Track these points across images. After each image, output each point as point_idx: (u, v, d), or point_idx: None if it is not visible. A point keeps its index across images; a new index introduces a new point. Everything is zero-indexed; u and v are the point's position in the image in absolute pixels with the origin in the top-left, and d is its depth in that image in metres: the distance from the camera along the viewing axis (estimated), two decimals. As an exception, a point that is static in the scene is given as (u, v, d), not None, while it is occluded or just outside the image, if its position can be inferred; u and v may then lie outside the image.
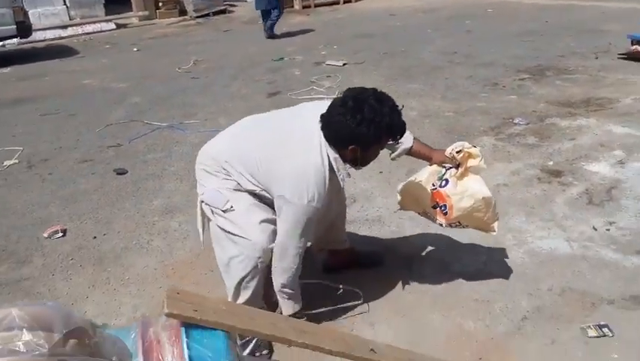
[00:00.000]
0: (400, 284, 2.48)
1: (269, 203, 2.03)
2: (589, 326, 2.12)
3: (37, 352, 0.77)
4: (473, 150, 2.15)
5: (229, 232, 2.03)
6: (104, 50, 9.91)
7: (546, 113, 4.62)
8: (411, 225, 2.97)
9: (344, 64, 7.00)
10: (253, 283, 2.05)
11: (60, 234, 3.13)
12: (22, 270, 2.83)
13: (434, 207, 2.22)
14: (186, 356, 1.21)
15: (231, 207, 2.01)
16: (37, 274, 2.78)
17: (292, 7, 13.31)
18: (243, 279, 2.04)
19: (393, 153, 2.28)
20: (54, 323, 0.82)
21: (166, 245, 2.97)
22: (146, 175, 3.94)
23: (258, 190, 2.02)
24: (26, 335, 0.78)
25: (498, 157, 3.81)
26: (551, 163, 3.64)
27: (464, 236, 2.72)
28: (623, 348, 2.01)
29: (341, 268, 2.57)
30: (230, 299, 2.09)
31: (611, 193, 3.18)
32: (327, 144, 1.94)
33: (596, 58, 6.30)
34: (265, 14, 9.30)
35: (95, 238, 3.09)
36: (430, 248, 2.78)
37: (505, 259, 2.63)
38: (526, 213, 3.02)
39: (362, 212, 3.20)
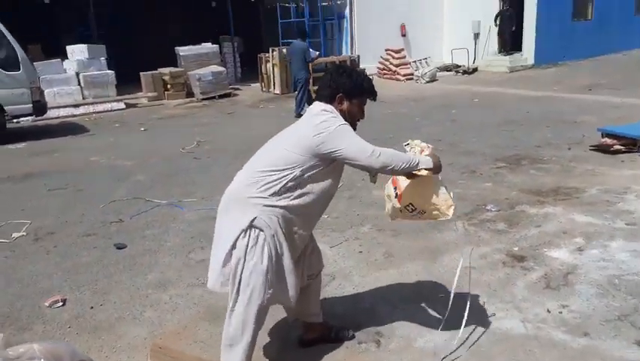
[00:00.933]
0: (367, 358, 2.73)
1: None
2: (532, 400, 2.35)
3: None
4: (423, 145, 2.62)
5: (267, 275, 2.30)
6: (113, 128, 10.54)
7: (517, 200, 5.00)
8: (383, 303, 3.25)
9: (336, 148, 7.49)
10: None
11: (60, 303, 3.40)
12: (23, 335, 3.08)
13: (396, 197, 2.57)
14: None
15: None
16: (37, 340, 3.03)
17: (294, 92, 14.17)
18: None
19: (371, 175, 2.65)
20: (64, 356, 1.13)
21: (157, 316, 3.23)
22: (144, 250, 4.26)
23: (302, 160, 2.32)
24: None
25: (468, 241, 4.14)
26: (516, 249, 3.96)
27: (429, 315, 2.99)
28: (561, 421, 2.24)
29: (315, 343, 2.82)
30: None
31: (567, 278, 3.48)
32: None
33: (569, 149, 6.79)
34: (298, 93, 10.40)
35: (92, 307, 3.36)
36: (397, 324, 3.02)
37: (464, 337, 2.88)
38: (489, 295, 3.30)
39: (339, 289, 3.48)
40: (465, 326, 2.97)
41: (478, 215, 4.69)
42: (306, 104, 10.15)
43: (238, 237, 2.30)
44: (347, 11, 17.35)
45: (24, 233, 4.74)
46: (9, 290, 3.67)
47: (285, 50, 14.65)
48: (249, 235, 2.29)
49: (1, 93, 9.27)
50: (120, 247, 4.32)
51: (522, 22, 16.38)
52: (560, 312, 3.08)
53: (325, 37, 17.85)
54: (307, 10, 16.95)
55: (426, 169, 2.48)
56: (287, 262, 2.38)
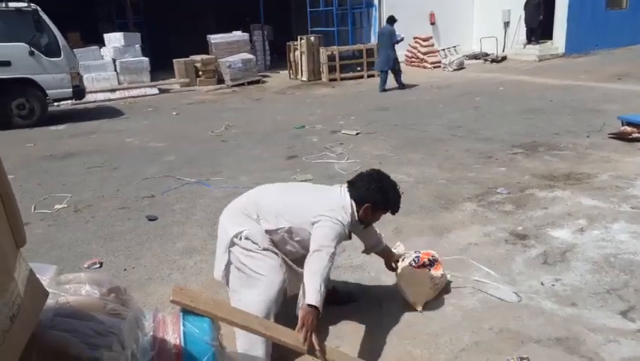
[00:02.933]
0: (368, 319, 3.01)
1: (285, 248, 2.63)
2: (512, 358, 2.59)
3: (92, 295, 1.39)
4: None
5: (254, 271, 2.52)
6: (146, 112, 11.03)
7: (528, 184, 5.17)
8: (387, 273, 3.51)
9: (357, 133, 7.75)
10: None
11: (97, 265, 3.80)
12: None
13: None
14: (181, 331, 1.81)
15: (267, 246, 2.57)
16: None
17: (320, 79, 14.44)
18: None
19: (366, 248, 3.09)
20: (104, 282, 1.45)
21: (182, 278, 3.59)
22: (172, 222, 4.63)
23: (287, 228, 2.57)
24: (87, 287, 1.41)
25: (475, 220, 4.35)
26: (520, 228, 4.16)
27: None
28: (538, 375, 2.48)
29: (329, 305, 3.12)
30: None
31: (565, 255, 3.67)
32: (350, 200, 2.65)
33: (588, 136, 6.86)
34: (384, 74, 11.81)
35: (125, 270, 3.75)
36: (399, 290, 3.29)
37: (460, 303, 3.13)
38: (488, 268, 3.53)
39: (348, 260, 3.76)
40: (461, 293, 3.23)
41: (488, 197, 4.88)
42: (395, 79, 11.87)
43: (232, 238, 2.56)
44: (376, 0, 17.43)
45: (65, 205, 5.18)
46: (52, 253, 4.09)
47: (312, 38, 14.90)
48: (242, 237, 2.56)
49: (44, 78, 9.84)
50: (152, 218, 4.70)
51: (554, 10, 16.13)
52: (553, 285, 3.29)
53: (353, 25, 17.97)
54: (336, -1, 17.09)
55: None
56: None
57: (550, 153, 6.22)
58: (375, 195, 2.67)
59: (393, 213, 2.84)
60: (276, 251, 2.60)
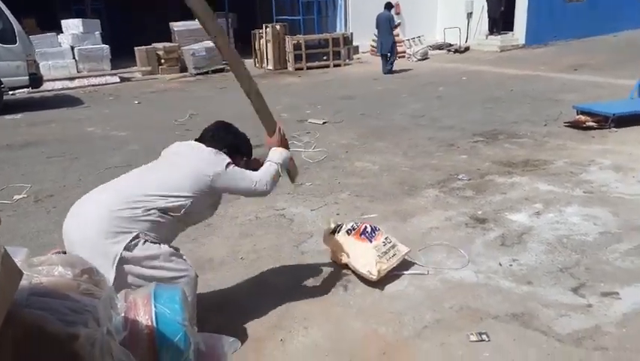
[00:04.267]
0: (334, 300, 3.10)
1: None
2: (472, 333, 2.73)
3: (65, 276, 1.42)
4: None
5: (166, 278, 2.34)
6: (107, 101, 10.79)
7: (488, 171, 5.35)
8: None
9: (324, 122, 7.82)
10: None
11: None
12: (29, 281, 3.43)
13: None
14: (153, 312, 1.84)
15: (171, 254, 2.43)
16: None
17: (286, 68, 14.41)
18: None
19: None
20: (77, 263, 1.47)
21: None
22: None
23: (183, 200, 2.44)
24: (60, 268, 1.43)
25: (437, 205, 4.50)
26: (480, 212, 4.32)
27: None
28: (495, 349, 2.62)
29: None
30: None
31: (521, 238, 3.84)
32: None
33: (545, 125, 7.13)
34: (384, 57, 12.87)
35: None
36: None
37: (422, 284, 3.25)
38: (448, 251, 3.67)
39: (316, 245, 3.83)
40: (423, 275, 3.36)
41: (449, 184, 5.04)
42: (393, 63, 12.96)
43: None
44: (341, -12, 17.46)
45: (25, 195, 5.06)
46: (14, 244, 3.99)
47: (278, 27, 14.83)
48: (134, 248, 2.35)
49: (-2, 65, 9.49)
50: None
51: (514, 2, 16.55)
52: (510, 265, 3.45)
53: (319, 14, 17.97)
54: (301, -13, 17.04)
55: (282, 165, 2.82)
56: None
57: (510, 141, 6.44)
58: (225, 139, 2.68)
59: (248, 156, 2.85)
60: (175, 248, 2.53)
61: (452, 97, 9.48)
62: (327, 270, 3.47)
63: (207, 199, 2.59)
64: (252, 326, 2.86)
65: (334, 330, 2.82)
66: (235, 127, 2.83)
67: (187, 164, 2.54)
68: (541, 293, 3.09)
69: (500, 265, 3.46)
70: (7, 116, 9.33)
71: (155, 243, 2.39)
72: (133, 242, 2.31)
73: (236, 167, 2.61)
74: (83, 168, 5.95)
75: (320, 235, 3.97)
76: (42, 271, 1.48)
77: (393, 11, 12.95)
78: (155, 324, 1.82)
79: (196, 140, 2.72)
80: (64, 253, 3.75)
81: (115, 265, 2.26)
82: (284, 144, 2.91)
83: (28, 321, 1.26)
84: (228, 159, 2.59)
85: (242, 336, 2.70)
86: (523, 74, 11.80)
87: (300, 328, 2.84)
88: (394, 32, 13.12)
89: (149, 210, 2.37)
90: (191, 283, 2.48)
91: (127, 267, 2.30)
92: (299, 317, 2.94)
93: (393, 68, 13.04)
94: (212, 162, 2.55)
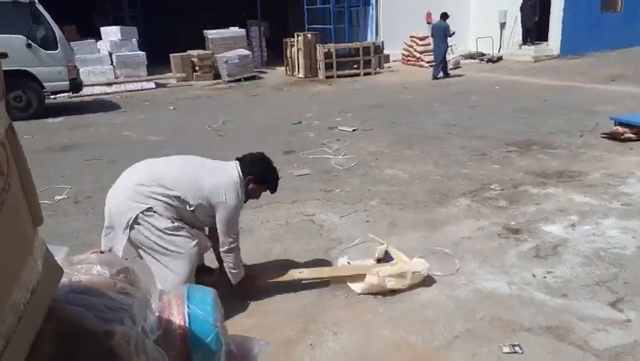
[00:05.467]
0: (364, 306, 3.09)
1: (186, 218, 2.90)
2: (504, 345, 2.67)
3: (103, 275, 1.46)
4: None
5: (169, 250, 2.80)
6: (143, 106, 11.05)
7: (521, 181, 5.26)
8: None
9: (354, 130, 7.82)
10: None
11: (98, 254, 3.84)
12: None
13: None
14: (186, 313, 1.88)
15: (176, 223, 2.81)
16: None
17: (316, 76, 14.49)
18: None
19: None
20: (114, 263, 1.51)
21: (181, 268, 3.65)
22: (171, 214, 4.68)
23: (189, 203, 2.84)
24: (98, 267, 1.48)
25: (469, 215, 4.44)
26: (513, 223, 4.25)
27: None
28: (528, 362, 2.56)
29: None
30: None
31: (556, 249, 3.76)
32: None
33: (581, 136, 6.96)
34: (438, 63, 13.50)
35: (126, 258, 3.79)
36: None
37: (453, 293, 3.21)
38: (480, 261, 3.62)
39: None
40: (455, 284, 3.31)
41: (481, 193, 4.96)
42: (441, 71, 13.56)
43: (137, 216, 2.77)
44: (373, -2, 17.50)
45: (65, 196, 5.22)
46: (54, 243, 4.09)
47: (309, 35, 14.95)
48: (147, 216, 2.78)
49: (41, 70, 9.83)
50: (150, 210, 4.75)
51: (549, 12, 16.26)
52: (545, 277, 3.37)
53: (351, 23, 18.04)
54: (333, -4, 17.13)
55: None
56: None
57: (544, 152, 6.31)
58: (258, 169, 3.03)
59: (272, 190, 3.16)
60: (184, 225, 2.87)
61: (485, 106, 9.36)
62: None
63: (208, 213, 2.94)
64: (282, 330, 2.87)
65: (364, 337, 2.81)
66: (272, 164, 3.16)
67: (208, 182, 2.89)
68: (577, 306, 3.01)
69: (534, 276, 3.39)
70: (49, 120, 9.65)
71: (167, 219, 2.79)
72: (147, 213, 2.75)
73: (237, 214, 2.99)
74: (119, 171, 6.01)
75: (349, 241, 3.97)
76: (81, 270, 1.53)
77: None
78: (188, 324, 1.85)
79: (237, 159, 3.08)
80: (102, 252, 3.87)
81: (129, 223, 2.75)
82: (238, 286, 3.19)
83: (68, 317, 1.30)
84: (238, 200, 2.93)
85: (272, 339, 2.70)
86: (557, 84, 11.57)
87: (329, 333, 2.84)
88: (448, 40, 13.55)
89: (158, 195, 2.79)
90: (192, 258, 2.88)
91: (138, 228, 2.76)
92: (329, 322, 2.94)
93: (441, 75, 13.48)
94: (228, 192, 2.90)
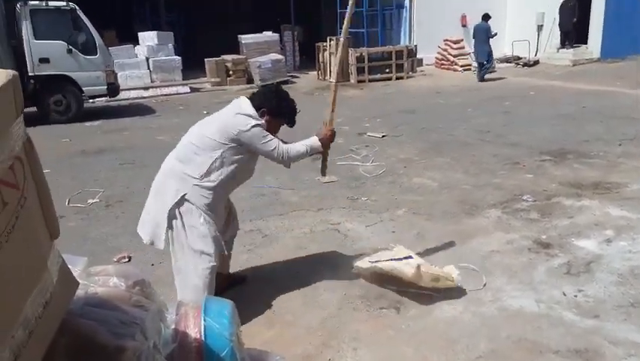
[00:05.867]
0: (385, 321, 3.04)
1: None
2: (530, 366, 2.59)
3: (119, 287, 1.48)
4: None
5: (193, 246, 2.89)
6: (178, 110, 11.25)
7: (555, 192, 5.09)
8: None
9: (383, 136, 7.76)
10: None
11: (126, 260, 3.94)
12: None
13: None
14: (202, 326, 1.88)
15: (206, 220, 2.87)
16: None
17: (348, 80, 14.46)
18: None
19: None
20: (131, 275, 1.53)
21: (206, 275, 3.68)
22: (198, 220, 4.74)
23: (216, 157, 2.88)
24: (114, 279, 1.50)
25: (498, 227, 4.33)
26: (544, 237, 4.11)
27: (448, 289, 3.26)
28: (554, 386, 2.47)
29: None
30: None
31: (589, 266, 3.62)
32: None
33: (620, 145, 6.70)
34: (480, 65, 13.55)
35: (152, 265, 3.87)
36: (418, 294, 3.30)
37: (479, 310, 3.13)
38: (509, 276, 3.51)
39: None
40: (481, 301, 3.23)
41: (513, 204, 4.83)
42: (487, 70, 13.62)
43: (172, 207, 2.86)
44: (407, 1, 17.35)
45: (97, 200, 5.36)
46: (84, 247, 4.24)
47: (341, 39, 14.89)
48: (182, 206, 2.85)
49: (80, 75, 10.16)
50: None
51: (589, 14, 15.77)
52: (575, 296, 3.25)
53: (384, 27, 17.94)
54: (366, 0, 17.06)
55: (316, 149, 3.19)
56: (215, 227, 2.93)
57: (580, 161, 6.11)
58: (270, 100, 2.95)
59: (289, 123, 3.08)
60: (210, 215, 2.90)
61: (519, 113, 9.14)
62: (380, 290, 3.42)
63: (240, 154, 2.91)
64: (301, 343, 2.86)
65: (384, 354, 2.77)
66: (286, 93, 3.08)
67: (223, 118, 2.95)
68: (609, 329, 2.89)
69: (564, 295, 3.27)
70: (87, 123, 9.95)
71: (200, 210, 2.86)
72: (184, 203, 2.85)
73: (263, 130, 2.90)
74: (151, 175, 6.14)
75: (373, 252, 3.92)
76: (98, 281, 1.55)
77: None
78: (203, 338, 1.86)
79: (248, 96, 3.05)
80: (129, 258, 3.95)
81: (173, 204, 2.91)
82: (325, 141, 3.19)
83: (80, 331, 1.32)
84: (255, 122, 2.87)
85: (290, 352, 2.70)
86: (597, 89, 11.20)
87: (349, 348, 2.81)
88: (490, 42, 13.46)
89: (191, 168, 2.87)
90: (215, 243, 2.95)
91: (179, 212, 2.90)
92: (348, 336, 2.91)
93: (487, 76, 13.53)
94: (239, 122, 2.87)
